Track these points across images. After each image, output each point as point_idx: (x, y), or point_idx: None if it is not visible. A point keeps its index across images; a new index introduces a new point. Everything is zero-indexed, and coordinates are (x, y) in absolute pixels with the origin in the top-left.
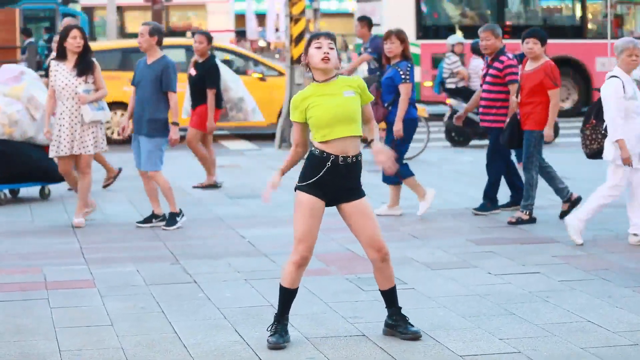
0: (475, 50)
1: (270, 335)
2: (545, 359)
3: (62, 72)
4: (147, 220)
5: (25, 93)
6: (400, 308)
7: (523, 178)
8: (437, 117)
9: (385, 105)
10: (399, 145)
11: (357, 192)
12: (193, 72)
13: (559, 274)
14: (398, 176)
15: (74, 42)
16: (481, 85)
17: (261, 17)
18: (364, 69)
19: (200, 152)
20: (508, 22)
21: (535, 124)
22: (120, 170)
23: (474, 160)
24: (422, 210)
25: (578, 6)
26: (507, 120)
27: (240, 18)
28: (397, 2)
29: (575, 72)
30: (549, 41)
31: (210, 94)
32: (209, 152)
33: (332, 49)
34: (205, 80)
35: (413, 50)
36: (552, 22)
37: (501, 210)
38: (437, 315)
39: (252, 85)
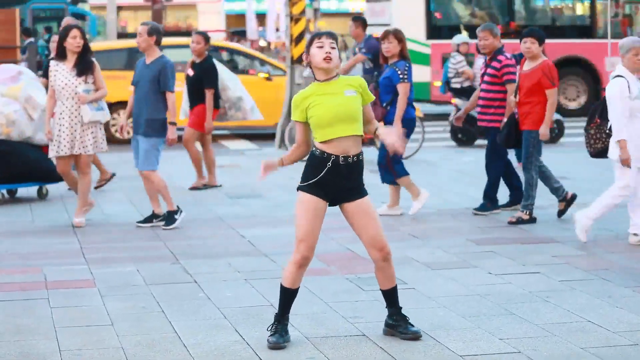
0: (478, 50)
1: (271, 335)
2: (545, 359)
3: (62, 71)
4: (148, 220)
5: (23, 93)
6: (401, 308)
7: (522, 178)
8: (447, 117)
9: (384, 105)
10: None
11: (359, 192)
12: (190, 72)
13: (559, 274)
14: (393, 175)
15: (73, 41)
16: (479, 85)
17: (261, 17)
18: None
19: (195, 152)
20: (517, 22)
21: (534, 123)
22: (113, 175)
23: (474, 160)
24: (414, 210)
25: (587, 6)
26: (505, 119)
27: (240, 18)
28: (407, 2)
29: (585, 71)
30: (559, 41)
31: (209, 94)
32: (208, 152)
33: (333, 48)
34: (203, 80)
35: (423, 50)
36: (561, 21)
37: (501, 210)
38: (437, 315)
39: (259, 85)
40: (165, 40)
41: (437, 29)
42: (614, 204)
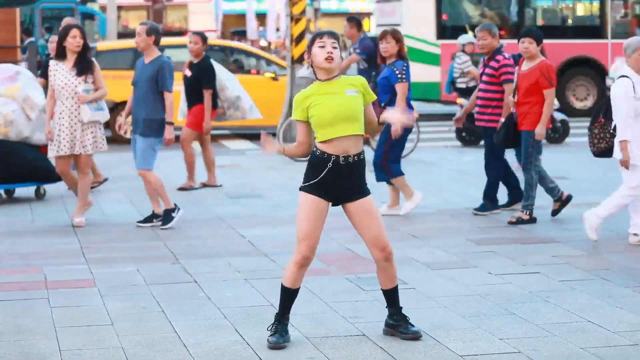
0: None
1: (271, 335)
2: (545, 359)
3: (62, 71)
4: (148, 219)
5: (21, 93)
6: (401, 308)
7: (522, 178)
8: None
9: (382, 105)
10: (394, 145)
11: (361, 191)
12: (188, 73)
13: (559, 274)
14: (388, 175)
15: (73, 41)
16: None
17: (262, 17)
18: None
19: (190, 154)
20: (527, 23)
21: (533, 124)
22: (106, 179)
23: (474, 160)
24: (405, 210)
25: (597, 6)
26: (502, 120)
27: (240, 18)
28: (417, 2)
29: (594, 72)
30: (569, 41)
31: (207, 95)
32: (207, 153)
33: (335, 48)
34: (202, 80)
35: (433, 50)
36: (571, 22)
37: (501, 210)
38: (437, 315)
39: (265, 84)
40: (169, 41)
41: (447, 29)
42: (623, 204)
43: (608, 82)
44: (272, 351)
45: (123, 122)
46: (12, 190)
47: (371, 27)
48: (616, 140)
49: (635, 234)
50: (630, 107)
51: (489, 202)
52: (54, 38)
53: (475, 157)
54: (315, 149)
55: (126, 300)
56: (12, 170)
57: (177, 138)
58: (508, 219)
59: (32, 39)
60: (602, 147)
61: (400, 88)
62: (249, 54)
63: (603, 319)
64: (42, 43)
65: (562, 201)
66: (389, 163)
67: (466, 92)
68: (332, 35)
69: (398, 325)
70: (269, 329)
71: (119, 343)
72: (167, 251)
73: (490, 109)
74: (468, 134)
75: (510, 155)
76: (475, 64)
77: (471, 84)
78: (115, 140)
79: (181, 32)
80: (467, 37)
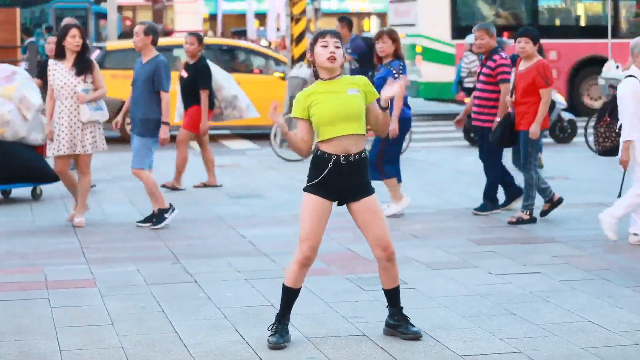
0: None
1: (271, 335)
2: (545, 359)
3: (61, 71)
4: (148, 219)
5: (17, 93)
6: (402, 308)
7: (522, 178)
8: None
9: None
10: (392, 145)
11: (364, 190)
12: (184, 74)
13: (559, 274)
14: (380, 175)
15: (73, 41)
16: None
17: (262, 17)
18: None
19: (183, 156)
20: (541, 22)
21: (531, 124)
22: (93, 186)
23: (474, 160)
24: (390, 212)
25: (610, 5)
26: (497, 119)
27: (241, 18)
28: (432, 2)
29: None
30: (583, 41)
31: (204, 95)
32: (206, 153)
33: (338, 47)
34: (198, 81)
35: (448, 50)
36: (585, 21)
37: (501, 210)
38: (437, 315)
39: (274, 84)
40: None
41: (462, 29)
42: (636, 203)
43: (600, 81)
44: (272, 351)
45: (119, 121)
46: (8, 190)
47: (371, 27)
48: (621, 140)
49: (635, 234)
50: (636, 107)
51: (489, 202)
52: (52, 39)
53: (476, 157)
54: (316, 149)
55: (126, 300)
56: (9, 170)
57: (172, 138)
58: (508, 219)
59: (32, 39)
60: (608, 145)
61: None
62: (257, 54)
63: (603, 319)
64: (43, 43)
65: (552, 202)
66: (383, 162)
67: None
68: (335, 34)
69: (398, 325)
70: (270, 328)
71: (119, 343)
72: (168, 251)
73: (488, 109)
74: (476, 134)
75: (506, 156)
76: None
77: None
78: (125, 139)
79: (167, 33)
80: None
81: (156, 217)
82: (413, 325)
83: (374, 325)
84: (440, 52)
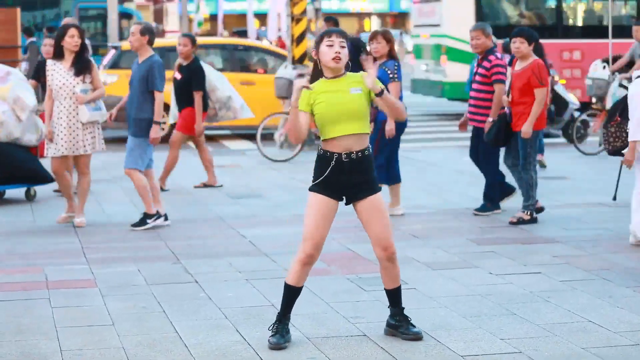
0: (507, 49)
1: (271, 336)
2: (546, 359)
3: (60, 71)
4: (155, 217)
5: (11, 94)
6: (404, 308)
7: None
8: None
9: (374, 105)
10: (389, 145)
11: (369, 188)
12: (178, 75)
13: (560, 274)
14: (388, 178)
15: (71, 40)
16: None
17: (262, 17)
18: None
19: (173, 157)
20: (565, 23)
21: None
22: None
23: None
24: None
25: (634, 5)
26: (489, 119)
27: (241, 18)
28: (456, 3)
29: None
30: (608, 41)
31: (197, 97)
32: (203, 154)
33: (343, 47)
34: (192, 82)
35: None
36: (610, 21)
37: (502, 211)
38: (438, 315)
39: None
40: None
41: None
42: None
43: (587, 82)
44: (273, 351)
45: (114, 113)
46: (2, 191)
47: (372, 27)
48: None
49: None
50: None
51: (489, 202)
52: (48, 41)
53: None
54: (319, 148)
55: (127, 300)
56: (2, 171)
57: (165, 139)
58: (509, 219)
59: (33, 38)
60: (618, 145)
61: (394, 87)
62: (272, 54)
63: (604, 319)
64: None
65: (535, 209)
66: (375, 165)
67: None
68: (341, 34)
69: (399, 325)
70: (270, 328)
71: (119, 343)
72: (168, 251)
73: (483, 109)
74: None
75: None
76: None
77: None
78: (125, 139)
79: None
80: None
81: (140, 219)
82: (414, 326)
83: (374, 325)
84: (465, 52)
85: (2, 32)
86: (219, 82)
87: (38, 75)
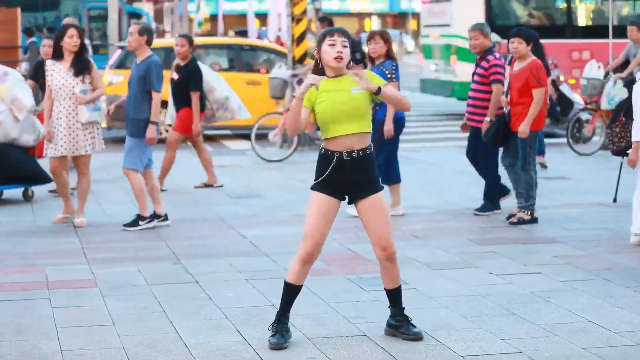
0: None
1: (272, 336)
2: (546, 359)
3: (59, 71)
4: (149, 220)
5: (9, 94)
6: (404, 309)
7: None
8: None
9: (372, 105)
10: (387, 145)
11: (371, 187)
12: (175, 76)
13: (560, 274)
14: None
15: (71, 41)
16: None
17: (262, 17)
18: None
19: (170, 157)
20: (575, 23)
21: None
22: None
23: None
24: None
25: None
26: (487, 119)
27: (241, 18)
28: (467, 3)
29: None
30: (617, 40)
31: (195, 97)
32: (202, 154)
33: (345, 47)
34: (189, 83)
35: None
36: (620, 21)
37: (502, 211)
38: (438, 315)
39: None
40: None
41: (496, 29)
42: None
43: (582, 82)
44: (273, 351)
45: (111, 109)
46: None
47: (372, 27)
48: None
49: (636, 234)
50: None
51: (489, 202)
52: (46, 42)
53: None
54: (321, 147)
55: (127, 300)
56: (0, 171)
57: (162, 139)
58: (509, 220)
59: (33, 38)
60: (623, 145)
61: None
62: (278, 54)
63: (604, 319)
64: None
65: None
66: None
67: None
68: (343, 33)
69: (400, 325)
70: (270, 328)
71: (120, 343)
72: (168, 251)
73: (481, 110)
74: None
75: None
76: None
77: None
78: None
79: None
80: (493, 37)
81: (132, 220)
82: (414, 326)
83: (375, 325)
84: None
85: (2, 32)
86: (217, 82)
87: (36, 75)
